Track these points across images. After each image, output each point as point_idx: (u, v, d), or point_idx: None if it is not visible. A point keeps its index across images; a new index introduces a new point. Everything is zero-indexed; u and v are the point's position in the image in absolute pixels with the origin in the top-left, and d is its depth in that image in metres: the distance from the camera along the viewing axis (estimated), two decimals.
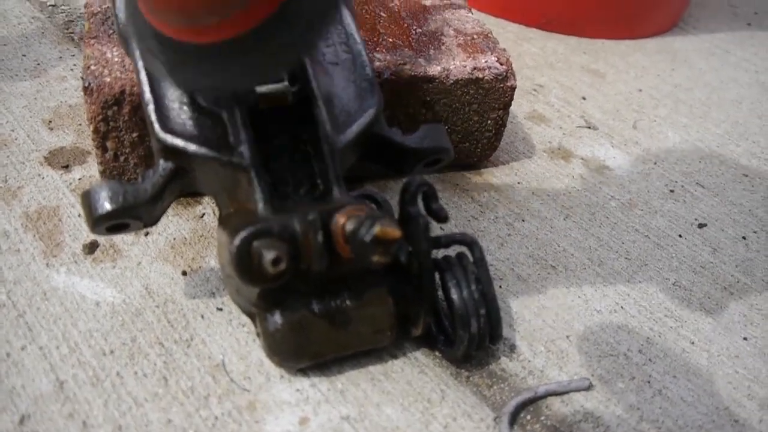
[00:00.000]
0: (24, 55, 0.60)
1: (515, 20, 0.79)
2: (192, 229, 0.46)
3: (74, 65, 0.60)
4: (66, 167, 0.49)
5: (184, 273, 0.42)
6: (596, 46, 0.77)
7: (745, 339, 0.43)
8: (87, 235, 0.44)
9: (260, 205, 0.34)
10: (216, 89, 0.33)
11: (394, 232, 0.30)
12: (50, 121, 0.53)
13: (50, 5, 0.68)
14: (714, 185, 0.57)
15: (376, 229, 0.30)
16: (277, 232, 0.32)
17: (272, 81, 0.36)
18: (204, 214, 0.47)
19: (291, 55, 0.30)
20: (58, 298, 0.40)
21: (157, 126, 0.35)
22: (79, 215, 0.45)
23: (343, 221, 0.33)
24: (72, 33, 0.65)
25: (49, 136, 0.52)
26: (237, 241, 0.32)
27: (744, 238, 0.52)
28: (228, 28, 0.28)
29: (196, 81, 0.33)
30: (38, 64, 0.59)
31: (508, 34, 0.77)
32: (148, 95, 0.35)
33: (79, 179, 0.48)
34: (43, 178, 0.48)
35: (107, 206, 0.33)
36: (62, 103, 0.55)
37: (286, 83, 0.36)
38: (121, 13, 0.38)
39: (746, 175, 0.59)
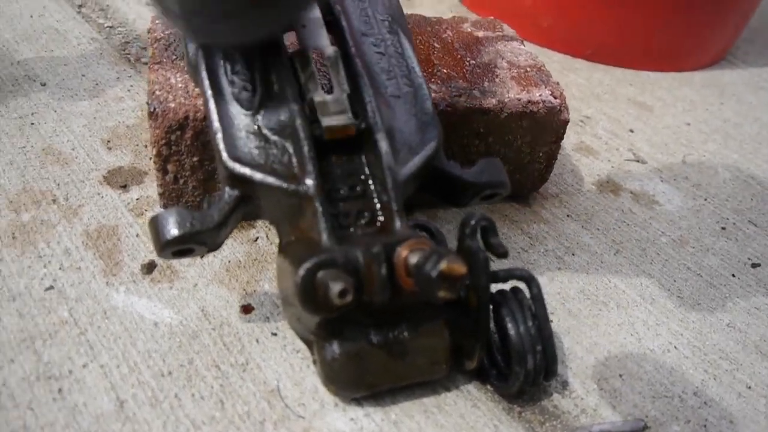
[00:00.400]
0: (83, 75, 0.62)
1: (561, 50, 0.79)
2: (246, 253, 0.46)
3: (131, 86, 0.61)
4: (124, 187, 0.50)
5: (244, 310, 0.42)
6: (642, 78, 0.77)
7: None
8: (145, 256, 0.45)
9: (324, 236, 0.34)
10: (231, 37, 0.34)
11: (461, 268, 0.30)
12: (109, 141, 0.54)
13: (107, 26, 0.70)
14: (766, 224, 0.57)
15: (443, 264, 0.30)
16: (342, 264, 0.32)
17: (336, 114, 0.37)
18: (258, 237, 0.47)
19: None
20: (118, 317, 0.41)
21: (225, 154, 0.35)
22: (137, 235, 0.46)
23: (406, 254, 0.33)
24: (128, 54, 0.66)
25: (107, 155, 0.53)
26: (302, 271, 0.32)
27: None
28: None
29: (212, 30, 0.33)
30: (97, 84, 0.61)
31: (554, 64, 0.77)
32: (216, 124, 0.36)
33: (137, 199, 0.49)
34: (102, 197, 0.49)
35: (175, 232, 0.34)
36: (120, 123, 0.57)
37: (350, 116, 0.37)
38: (192, 45, 0.39)
39: None
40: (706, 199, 0.58)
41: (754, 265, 0.52)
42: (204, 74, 0.38)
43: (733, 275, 0.50)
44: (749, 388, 0.42)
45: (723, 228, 0.55)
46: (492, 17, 0.59)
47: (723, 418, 0.39)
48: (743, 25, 0.83)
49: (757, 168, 0.64)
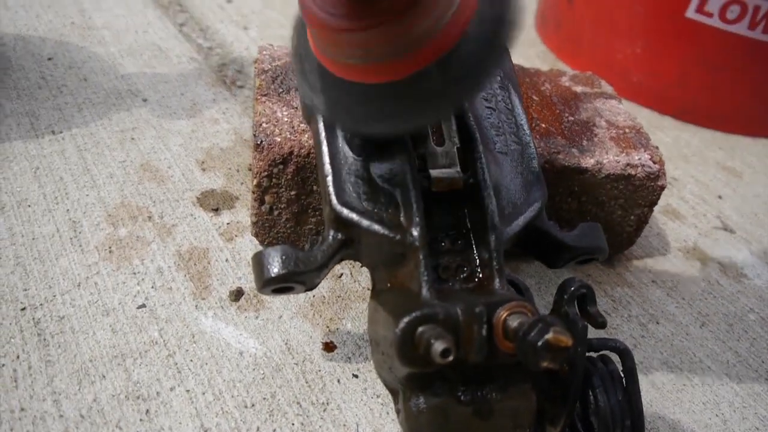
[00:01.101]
0: (182, 94, 0.64)
1: (648, 106, 0.78)
2: (330, 288, 0.47)
3: (226, 109, 0.63)
4: (216, 210, 0.51)
5: (327, 347, 0.43)
6: (732, 142, 0.75)
7: None
8: (233, 282, 0.46)
9: (424, 289, 0.34)
10: (376, 130, 0.34)
11: (568, 340, 0.30)
12: (203, 162, 0.56)
13: (206, 47, 0.73)
14: None
15: (550, 335, 0.30)
16: (442, 320, 0.32)
17: (445, 166, 0.37)
18: (342, 274, 0.48)
19: (454, 100, 0.31)
20: (205, 342, 0.41)
21: (334, 198, 0.36)
22: (226, 260, 0.47)
23: (506, 316, 0.33)
24: (225, 76, 0.68)
25: (201, 176, 0.54)
26: (403, 324, 0.32)
27: None
28: (397, 70, 0.29)
29: (358, 121, 0.33)
30: (194, 104, 0.63)
31: (641, 120, 0.76)
32: (327, 167, 0.37)
33: (228, 224, 0.50)
34: (195, 218, 0.50)
35: (278, 270, 0.35)
36: (214, 145, 0.58)
37: (458, 169, 0.37)
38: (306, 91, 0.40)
39: None
40: None
41: None
42: (320, 116, 0.38)
43: None
44: None
45: None
46: (590, 72, 0.59)
47: None
48: None
49: None
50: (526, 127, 0.41)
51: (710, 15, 0.69)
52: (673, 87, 0.76)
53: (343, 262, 0.49)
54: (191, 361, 0.40)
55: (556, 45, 0.86)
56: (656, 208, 0.61)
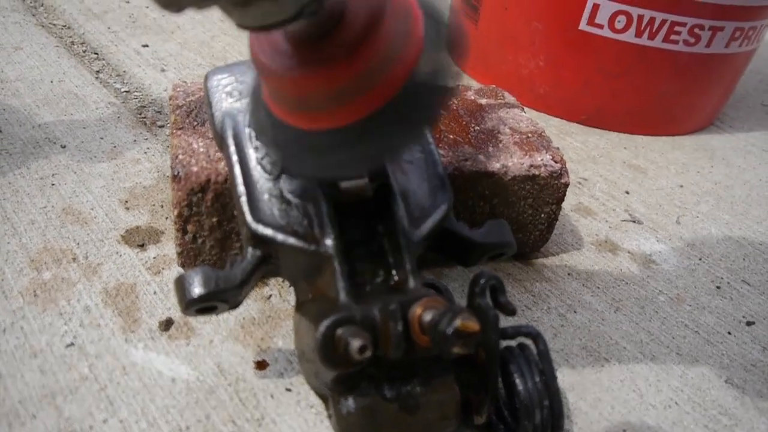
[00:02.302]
0: (102, 138, 0.65)
1: (557, 115, 0.83)
2: (260, 310, 0.48)
3: (147, 149, 0.64)
4: (141, 246, 0.52)
5: (259, 366, 0.44)
6: (636, 141, 0.81)
7: None
8: (162, 313, 0.46)
9: (342, 294, 0.36)
10: (321, 175, 0.34)
11: (474, 325, 0.32)
12: (126, 201, 0.57)
13: (124, 91, 0.74)
14: (759, 283, 0.59)
15: (458, 322, 0.32)
16: (360, 321, 0.34)
17: (353, 177, 0.39)
18: (271, 295, 0.49)
19: (400, 144, 0.30)
20: (137, 373, 0.42)
21: (249, 216, 0.37)
22: (154, 293, 0.48)
23: (421, 312, 0.35)
24: (144, 118, 0.69)
25: (125, 215, 0.55)
26: (322, 327, 0.34)
27: None
28: (343, 115, 0.29)
29: (304, 166, 0.32)
30: (114, 146, 0.64)
31: (551, 128, 0.80)
32: (241, 188, 0.38)
33: (154, 258, 0.51)
34: (120, 255, 0.51)
35: (200, 290, 0.36)
36: (137, 184, 0.59)
37: (366, 179, 0.39)
38: (218, 113, 0.41)
39: None
40: (700, 259, 0.61)
41: (748, 323, 0.53)
42: (230, 140, 0.40)
43: (729, 333, 0.52)
44: None
45: (718, 287, 0.57)
46: (493, 85, 0.63)
47: None
48: (729, 94, 0.87)
49: (748, 229, 0.66)
50: (428, 136, 0.43)
51: (601, 26, 0.74)
52: (577, 95, 0.81)
53: (273, 284, 0.50)
54: (123, 392, 0.40)
55: (467, 65, 0.90)
56: (568, 207, 0.65)
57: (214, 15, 0.91)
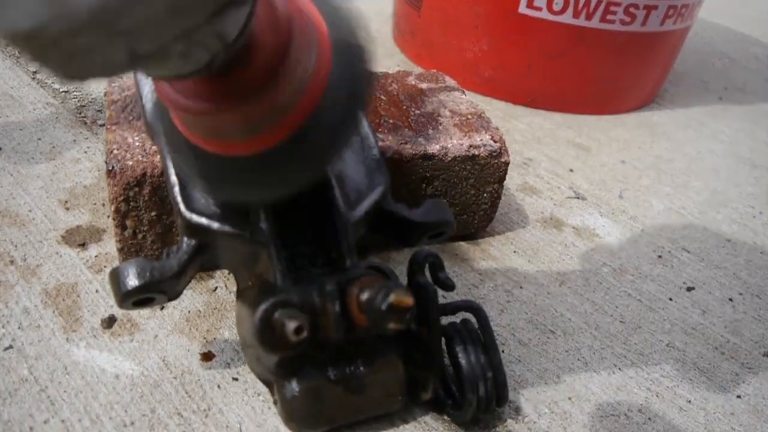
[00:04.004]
0: (39, 139, 0.63)
1: (502, 98, 0.84)
2: (206, 302, 0.47)
3: (88, 148, 0.63)
4: (83, 245, 0.51)
5: (205, 357, 0.43)
6: (579, 121, 0.82)
7: (738, 397, 0.45)
8: (105, 310, 0.46)
9: (279, 278, 0.36)
10: (240, 198, 0.33)
11: (408, 299, 0.32)
12: (66, 201, 0.55)
13: (63, 91, 0.72)
14: (699, 250, 0.60)
15: (391, 297, 0.32)
16: (297, 303, 0.34)
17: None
18: (216, 287, 0.49)
19: (316, 167, 0.31)
20: (79, 371, 0.41)
21: (182, 206, 0.37)
22: (96, 291, 0.47)
23: (358, 291, 0.35)
24: (84, 117, 0.68)
25: (65, 215, 0.54)
26: (259, 312, 0.34)
27: (731, 299, 0.54)
28: (257, 143, 0.29)
29: (221, 189, 0.32)
30: (53, 147, 0.62)
31: (496, 111, 0.81)
32: (173, 178, 0.38)
33: (96, 256, 0.50)
34: (60, 256, 0.50)
35: (135, 282, 0.36)
36: (77, 184, 0.58)
37: None
38: (149, 104, 0.41)
39: (729, 240, 0.63)
40: (642, 230, 0.62)
41: (689, 289, 0.55)
42: (161, 132, 0.40)
43: (671, 299, 0.54)
44: (689, 402, 0.44)
45: (659, 256, 0.59)
46: (435, 70, 0.63)
47: None
48: (667, 71, 0.89)
49: (688, 199, 0.68)
50: (364, 120, 0.44)
51: (539, 9, 0.75)
52: (521, 78, 0.82)
53: (219, 277, 0.50)
54: (65, 392, 0.40)
55: (413, 52, 0.91)
56: (514, 187, 0.66)
57: None
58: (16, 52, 0.67)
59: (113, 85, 0.53)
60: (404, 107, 0.55)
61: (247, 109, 0.27)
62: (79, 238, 0.52)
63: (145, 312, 0.46)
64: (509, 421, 0.41)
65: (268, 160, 0.30)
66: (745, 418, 0.44)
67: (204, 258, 0.38)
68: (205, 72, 0.25)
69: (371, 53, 0.30)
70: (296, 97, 0.28)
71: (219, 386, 0.41)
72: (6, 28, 0.18)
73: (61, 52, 0.19)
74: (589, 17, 0.75)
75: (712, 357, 0.48)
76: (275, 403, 0.39)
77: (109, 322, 0.45)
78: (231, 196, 0.33)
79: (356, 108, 0.30)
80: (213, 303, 0.47)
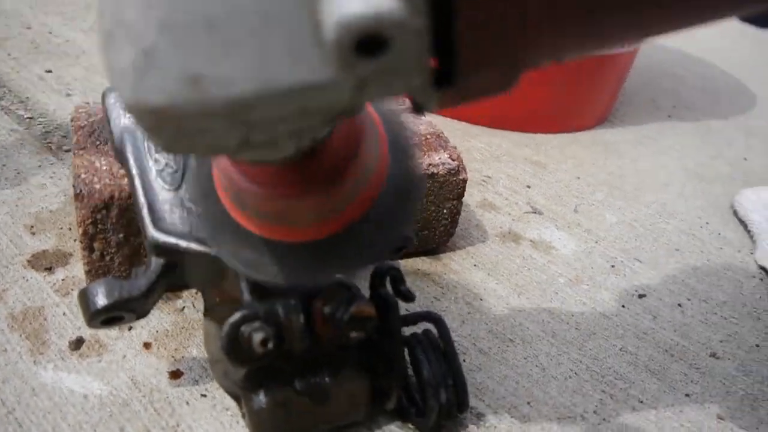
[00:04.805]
0: (4, 165, 0.64)
1: (463, 120, 0.87)
2: (173, 322, 0.48)
3: (53, 173, 0.63)
4: (49, 269, 0.52)
5: (173, 375, 0.44)
6: (537, 140, 0.85)
7: (687, 395, 0.48)
8: (72, 332, 0.46)
9: (245, 294, 0.37)
10: (291, 282, 0.33)
11: (369, 309, 0.34)
12: (32, 226, 0.56)
13: (27, 117, 0.73)
14: (650, 260, 0.63)
15: (353, 308, 0.34)
16: (263, 316, 0.35)
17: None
18: (184, 307, 0.50)
19: (373, 255, 0.30)
20: (47, 393, 0.42)
21: (150, 226, 0.38)
22: (63, 314, 0.48)
23: (322, 303, 0.36)
24: (50, 143, 0.69)
25: (31, 240, 0.54)
26: (227, 326, 0.35)
27: (679, 305, 0.57)
28: (321, 229, 0.29)
29: (271, 273, 0.31)
30: (18, 173, 0.63)
31: (456, 131, 0.84)
32: (142, 199, 0.39)
33: (63, 280, 0.51)
34: (27, 280, 0.50)
35: (104, 301, 0.36)
36: (43, 209, 0.58)
37: None
38: (117, 130, 0.42)
39: (678, 249, 0.66)
40: (596, 242, 0.65)
41: (640, 296, 0.58)
42: (129, 155, 0.41)
43: (623, 306, 0.56)
44: (641, 402, 0.47)
45: (612, 266, 0.62)
46: None
47: (620, 431, 0.44)
48: (618, 91, 0.93)
49: (639, 212, 0.72)
50: None
51: None
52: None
53: (186, 296, 0.51)
54: (33, 413, 0.40)
55: None
56: (474, 204, 0.68)
57: None
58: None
59: (80, 111, 0.54)
60: None
61: (320, 198, 0.28)
62: (45, 262, 0.52)
63: (113, 333, 0.47)
64: (471, 426, 0.43)
65: (327, 247, 0.30)
66: (693, 415, 0.46)
67: (172, 277, 0.39)
68: (287, 160, 0.26)
69: (419, 153, 0.31)
70: (361, 186, 0.29)
71: (187, 403, 0.42)
72: (137, 96, 0.18)
73: (178, 129, 0.19)
74: None
75: (663, 359, 0.51)
76: (243, 416, 0.40)
77: (77, 343, 0.45)
78: (281, 279, 0.32)
79: (410, 200, 0.31)
80: (181, 322, 0.48)
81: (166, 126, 0.19)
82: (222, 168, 0.29)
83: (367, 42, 0.17)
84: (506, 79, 0.21)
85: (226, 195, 0.31)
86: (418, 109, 0.24)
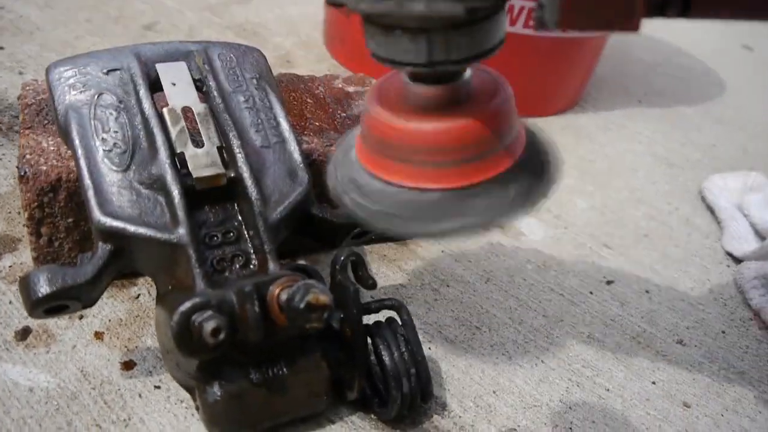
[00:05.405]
0: None
1: None
2: (127, 310, 0.46)
3: (3, 155, 0.60)
4: None
5: (125, 366, 0.42)
6: None
7: (653, 383, 0.47)
8: (19, 322, 0.44)
9: (198, 281, 0.35)
10: (412, 234, 0.35)
11: (326, 298, 0.33)
12: None
13: None
14: (618, 246, 0.63)
15: (309, 296, 0.32)
16: (215, 305, 0.34)
17: (207, 165, 0.39)
18: (139, 295, 0.48)
19: (493, 217, 0.32)
20: None
21: (96, 210, 0.36)
22: (10, 302, 0.45)
23: (278, 291, 0.35)
24: (0, 123, 0.65)
25: None
26: (176, 315, 0.33)
27: (647, 291, 0.57)
28: (461, 177, 0.31)
29: (417, 228, 0.33)
30: None
31: None
32: (87, 181, 0.37)
33: (10, 267, 0.48)
34: None
35: (46, 289, 0.34)
36: None
37: (220, 166, 0.39)
38: (61, 107, 0.40)
39: (646, 235, 0.65)
40: (566, 228, 0.64)
41: (608, 282, 0.57)
42: (75, 134, 0.39)
43: (591, 292, 0.56)
44: (608, 390, 0.46)
45: (581, 252, 0.61)
46: (362, 74, 0.64)
47: (586, 419, 0.43)
48: (589, 76, 0.93)
49: (608, 198, 0.71)
50: (284, 121, 0.44)
51: None
52: None
53: (142, 284, 0.49)
54: None
55: (344, 58, 0.91)
56: None
57: (79, 14, 0.87)
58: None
59: (27, 88, 0.51)
60: (330, 110, 0.56)
61: (469, 131, 0.31)
62: None
63: (62, 322, 0.44)
64: (435, 417, 0.42)
65: (457, 199, 0.31)
66: (659, 402, 0.46)
67: (121, 263, 0.37)
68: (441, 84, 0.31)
69: (558, 162, 0.34)
70: (503, 142, 0.32)
71: (140, 395, 0.40)
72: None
73: None
74: (512, 23, 0.77)
75: (629, 346, 0.50)
76: (197, 408, 0.38)
77: (24, 333, 0.43)
78: (407, 230, 0.35)
79: (539, 186, 0.33)
80: (135, 311, 0.46)
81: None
82: (372, 113, 0.33)
83: None
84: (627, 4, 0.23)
85: (366, 148, 0.33)
86: (541, 20, 0.26)
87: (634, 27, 0.25)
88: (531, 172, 0.33)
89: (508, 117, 0.33)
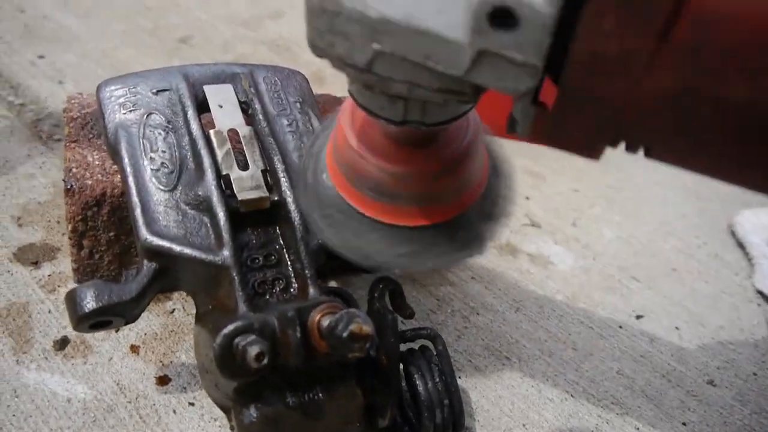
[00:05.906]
0: None
1: None
2: (163, 325, 0.47)
3: (43, 163, 0.62)
4: (35, 263, 0.50)
5: (161, 381, 0.43)
6: (535, 150, 0.84)
7: (684, 424, 0.47)
8: (58, 332, 0.45)
9: (240, 303, 0.36)
10: (401, 266, 0.37)
11: (369, 328, 0.33)
12: (19, 218, 0.54)
13: (18, 104, 0.71)
14: (647, 278, 0.63)
15: (353, 326, 0.33)
16: (258, 329, 0.34)
17: (252, 189, 0.39)
18: (174, 309, 0.48)
19: (483, 242, 0.35)
20: (29, 395, 0.40)
21: (143, 229, 0.37)
22: (49, 311, 0.46)
23: (319, 317, 0.35)
24: (40, 131, 0.67)
25: (18, 232, 0.53)
26: (220, 338, 0.33)
27: (677, 328, 0.57)
28: (431, 215, 0.33)
29: (380, 256, 0.35)
30: (6, 161, 0.61)
31: None
32: (135, 199, 0.38)
33: (49, 275, 0.49)
34: (12, 274, 0.49)
35: (92, 304, 0.35)
36: (31, 200, 0.56)
37: (264, 190, 0.40)
38: (111, 125, 0.41)
39: (675, 269, 0.65)
40: (594, 258, 0.64)
41: (638, 317, 0.57)
42: (124, 153, 0.39)
43: (620, 327, 0.55)
44: (638, 429, 0.46)
45: (610, 284, 0.61)
46: None
47: None
48: None
49: (636, 228, 0.71)
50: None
51: None
52: (479, 109, 0.83)
53: (177, 298, 0.49)
54: (14, 416, 0.39)
55: None
56: None
57: (115, 25, 0.89)
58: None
59: (73, 101, 0.52)
60: None
61: (443, 175, 0.33)
62: (32, 256, 0.51)
63: (99, 334, 0.45)
64: None
65: (431, 235, 0.34)
66: None
67: (164, 281, 0.38)
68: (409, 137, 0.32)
69: (514, 188, 0.38)
70: (474, 178, 0.35)
71: (174, 411, 0.41)
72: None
73: (330, 25, 0.25)
74: None
75: (660, 384, 0.50)
76: (232, 429, 0.39)
77: (62, 343, 0.44)
78: (384, 264, 0.36)
79: (500, 214, 0.36)
80: (170, 325, 0.47)
81: (323, 18, 0.24)
82: (350, 145, 0.33)
83: (500, 14, 0.21)
84: (598, 133, 0.26)
85: (341, 176, 0.34)
86: (512, 126, 0.29)
87: (595, 157, 0.29)
88: (482, 215, 0.35)
89: (472, 161, 0.35)
